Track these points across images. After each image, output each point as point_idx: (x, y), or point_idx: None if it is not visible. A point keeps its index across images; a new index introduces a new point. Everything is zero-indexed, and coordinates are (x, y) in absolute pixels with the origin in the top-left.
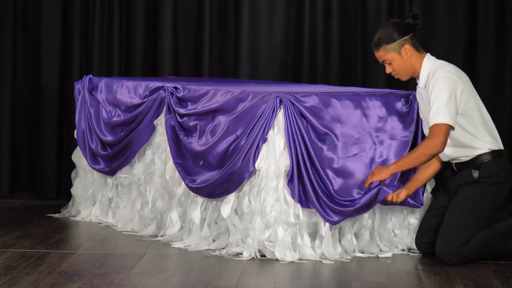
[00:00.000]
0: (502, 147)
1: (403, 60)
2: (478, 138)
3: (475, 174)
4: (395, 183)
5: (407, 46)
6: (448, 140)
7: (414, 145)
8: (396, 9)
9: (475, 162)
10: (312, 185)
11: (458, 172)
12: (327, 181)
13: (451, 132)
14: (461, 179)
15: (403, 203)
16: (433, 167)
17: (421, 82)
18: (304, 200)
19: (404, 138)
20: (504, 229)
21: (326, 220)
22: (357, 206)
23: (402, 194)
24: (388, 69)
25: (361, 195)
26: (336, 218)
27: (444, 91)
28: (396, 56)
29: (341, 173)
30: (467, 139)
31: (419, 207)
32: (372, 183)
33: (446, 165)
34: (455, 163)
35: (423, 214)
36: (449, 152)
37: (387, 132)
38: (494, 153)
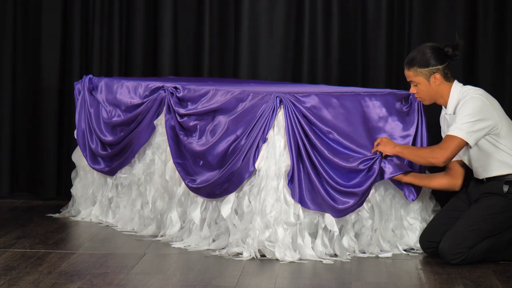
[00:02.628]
0: None
1: (430, 88)
2: (510, 157)
3: (505, 188)
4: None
5: (438, 76)
6: (481, 165)
7: (413, 145)
8: (396, 9)
9: (505, 178)
10: (312, 185)
11: (485, 183)
12: (328, 178)
13: (484, 156)
14: (488, 189)
15: (402, 187)
16: (446, 182)
17: (449, 109)
18: (304, 200)
19: (404, 138)
20: (508, 238)
21: (333, 210)
22: (363, 187)
23: (406, 178)
24: (413, 90)
25: (364, 175)
26: (344, 203)
27: (471, 112)
28: (424, 82)
29: (342, 173)
30: (499, 158)
31: (410, 200)
32: (376, 154)
33: (471, 175)
34: (486, 178)
35: (422, 214)
36: (485, 174)
37: (387, 132)
38: None
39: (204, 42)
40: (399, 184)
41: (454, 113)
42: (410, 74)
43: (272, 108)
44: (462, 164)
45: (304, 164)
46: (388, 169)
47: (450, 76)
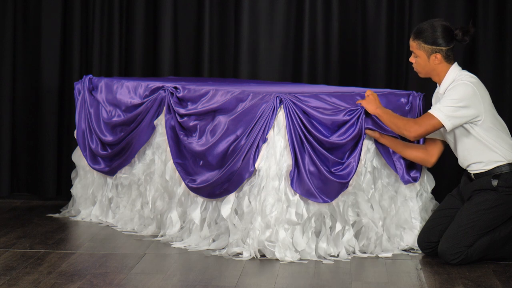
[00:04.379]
0: None
1: (428, 64)
2: (496, 149)
3: (494, 183)
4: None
5: (439, 56)
6: (465, 149)
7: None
8: (396, 9)
9: (494, 172)
10: (313, 183)
11: (476, 179)
12: (329, 176)
13: (469, 141)
14: (479, 185)
15: (403, 176)
16: (421, 155)
17: (441, 89)
18: (311, 192)
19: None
20: (505, 233)
21: (337, 185)
22: (348, 138)
23: (384, 139)
24: (412, 59)
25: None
26: (341, 168)
27: (457, 97)
28: (424, 57)
29: (342, 172)
30: (485, 151)
31: (413, 182)
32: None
33: (463, 169)
34: (474, 174)
35: (422, 214)
36: (466, 161)
37: (387, 131)
38: None
39: (204, 42)
40: (393, 165)
41: (444, 93)
42: (413, 44)
43: (272, 108)
44: (442, 143)
45: (304, 162)
46: (368, 124)
47: (451, 58)
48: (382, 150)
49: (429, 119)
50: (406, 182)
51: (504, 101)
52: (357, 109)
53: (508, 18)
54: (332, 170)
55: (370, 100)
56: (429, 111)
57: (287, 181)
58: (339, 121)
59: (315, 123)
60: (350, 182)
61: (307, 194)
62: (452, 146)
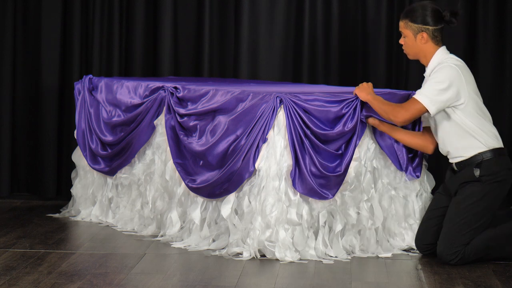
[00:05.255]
0: (502, 145)
1: (415, 44)
2: (477, 136)
3: (476, 172)
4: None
5: (425, 35)
6: (445, 133)
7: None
8: (396, 9)
9: (475, 160)
10: (315, 182)
11: (459, 171)
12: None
13: (449, 125)
14: (463, 178)
15: (407, 171)
16: (420, 142)
17: (427, 71)
18: (315, 190)
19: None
20: (506, 232)
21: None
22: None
23: (383, 127)
24: (401, 41)
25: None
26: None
27: (441, 79)
28: (411, 36)
29: (343, 171)
30: (466, 136)
31: (416, 178)
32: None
33: (446, 165)
34: (455, 163)
35: (420, 214)
36: (448, 147)
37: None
38: (494, 151)
39: (204, 42)
40: (397, 161)
41: (429, 76)
42: (401, 24)
43: (272, 108)
44: None
45: (305, 162)
46: (365, 111)
47: (439, 40)
48: (385, 147)
49: (415, 104)
50: (410, 179)
51: (504, 101)
52: (353, 100)
53: (508, 18)
54: (331, 165)
55: (363, 88)
56: (414, 95)
57: (287, 181)
58: (337, 114)
59: (315, 121)
60: (348, 175)
61: (309, 193)
62: (433, 129)
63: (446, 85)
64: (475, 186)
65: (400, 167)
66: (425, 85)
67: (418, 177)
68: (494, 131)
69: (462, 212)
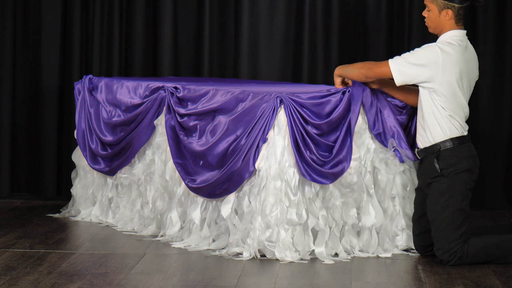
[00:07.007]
0: (465, 133)
1: (438, 19)
2: (443, 124)
3: (437, 165)
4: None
5: (450, 12)
6: (419, 112)
7: (411, 143)
8: (396, 9)
9: (434, 149)
10: (315, 180)
11: (422, 164)
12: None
13: (422, 105)
14: (428, 174)
15: (410, 152)
16: (412, 97)
17: None
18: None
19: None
20: (508, 243)
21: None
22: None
23: (373, 85)
24: (425, 13)
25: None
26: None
27: (419, 56)
28: (435, 11)
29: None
30: (432, 121)
31: (412, 160)
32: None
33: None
34: (417, 151)
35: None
36: (418, 125)
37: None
38: (454, 140)
39: (204, 42)
40: (398, 143)
41: None
42: None
43: (272, 108)
44: None
45: (306, 162)
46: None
47: (461, 20)
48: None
49: (385, 66)
50: (412, 159)
51: (504, 101)
52: (342, 88)
53: (508, 18)
54: (331, 161)
55: (336, 71)
56: (390, 59)
57: (287, 181)
58: (331, 104)
59: (313, 116)
60: (348, 175)
61: (320, 177)
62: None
63: (419, 62)
64: (441, 182)
65: (400, 145)
66: (405, 53)
67: (402, 161)
68: (462, 123)
69: (440, 213)
